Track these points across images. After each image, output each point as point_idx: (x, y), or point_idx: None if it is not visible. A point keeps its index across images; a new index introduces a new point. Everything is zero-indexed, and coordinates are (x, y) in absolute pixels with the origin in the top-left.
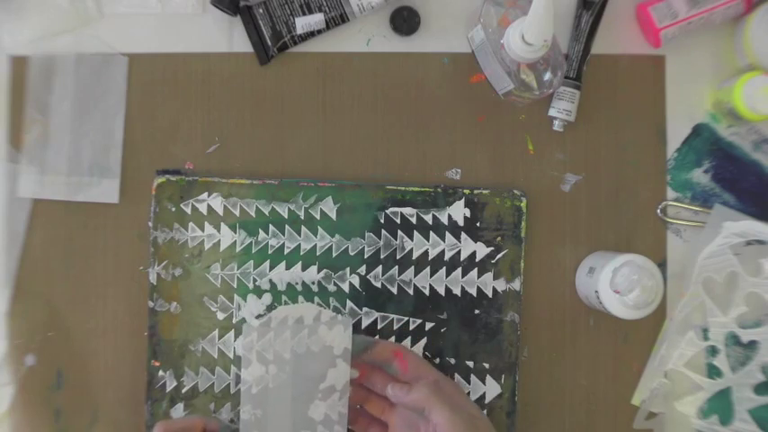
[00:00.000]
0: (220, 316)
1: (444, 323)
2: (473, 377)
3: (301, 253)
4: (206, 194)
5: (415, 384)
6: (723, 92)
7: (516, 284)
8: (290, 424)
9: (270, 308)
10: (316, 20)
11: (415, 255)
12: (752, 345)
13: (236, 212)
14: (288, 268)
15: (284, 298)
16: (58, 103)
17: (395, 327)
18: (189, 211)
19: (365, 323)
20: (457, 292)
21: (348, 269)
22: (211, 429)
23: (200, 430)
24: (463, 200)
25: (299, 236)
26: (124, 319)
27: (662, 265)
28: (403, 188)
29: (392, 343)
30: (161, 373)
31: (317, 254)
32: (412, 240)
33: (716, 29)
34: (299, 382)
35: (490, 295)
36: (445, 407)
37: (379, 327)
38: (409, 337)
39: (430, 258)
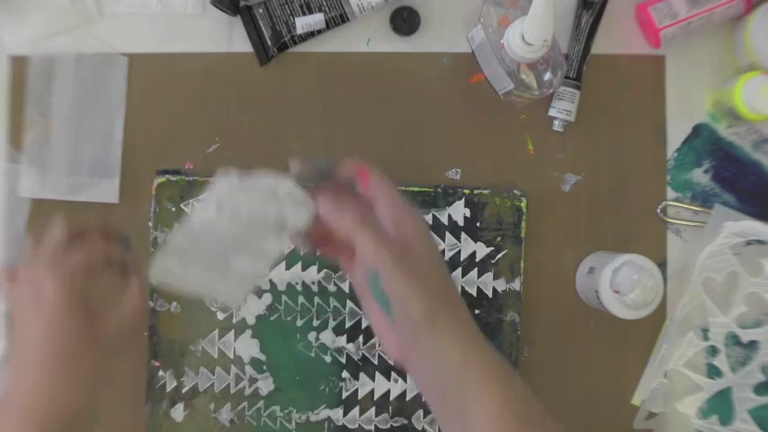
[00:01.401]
0: (220, 316)
1: None
2: None
3: (301, 253)
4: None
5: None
6: (723, 92)
7: (516, 284)
8: (205, 264)
9: (270, 308)
10: (316, 20)
11: None
12: (752, 345)
13: None
14: (288, 268)
15: (284, 298)
16: (58, 103)
17: None
18: (189, 211)
19: (365, 323)
20: None
21: None
22: (111, 234)
23: (98, 234)
24: (463, 200)
25: None
26: None
27: (662, 265)
28: (403, 188)
29: (356, 161)
30: (161, 373)
31: (317, 254)
32: None
33: (716, 29)
34: (239, 238)
35: (490, 295)
36: (370, 239)
37: None
38: None
39: None
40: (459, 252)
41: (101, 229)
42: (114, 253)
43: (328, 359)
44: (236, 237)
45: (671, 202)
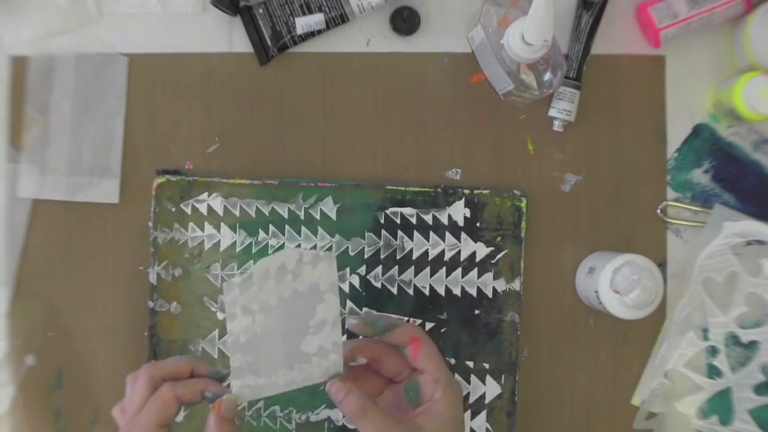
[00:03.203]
0: (220, 316)
1: (444, 323)
2: (473, 377)
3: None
4: (206, 194)
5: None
6: (723, 92)
7: (516, 284)
8: (282, 362)
9: None
10: (316, 20)
11: (415, 255)
12: (752, 345)
13: (236, 212)
14: None
15: None
16: (58, 103)
17: None
18: (189, 211)
19: None
20: (457, 292)
21: (348, 269)
22: (200, 373)
23: (188, 373)
24: (463, 200)
25: (299, 236)
26: (124, 319)
27: (662, 265)
28: (403, 188)
29: (414, 328)
30: None
31: None
32: (412, 240)
33: (716, 29)
34: (289, 322)
35: (490, 295)
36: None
37: None
38: None
39: (430, 258)
40: (459, 252)
41: (190, 368)
42: (205, 388)
43: None
44: (285, 325)
45: (671, 202)
